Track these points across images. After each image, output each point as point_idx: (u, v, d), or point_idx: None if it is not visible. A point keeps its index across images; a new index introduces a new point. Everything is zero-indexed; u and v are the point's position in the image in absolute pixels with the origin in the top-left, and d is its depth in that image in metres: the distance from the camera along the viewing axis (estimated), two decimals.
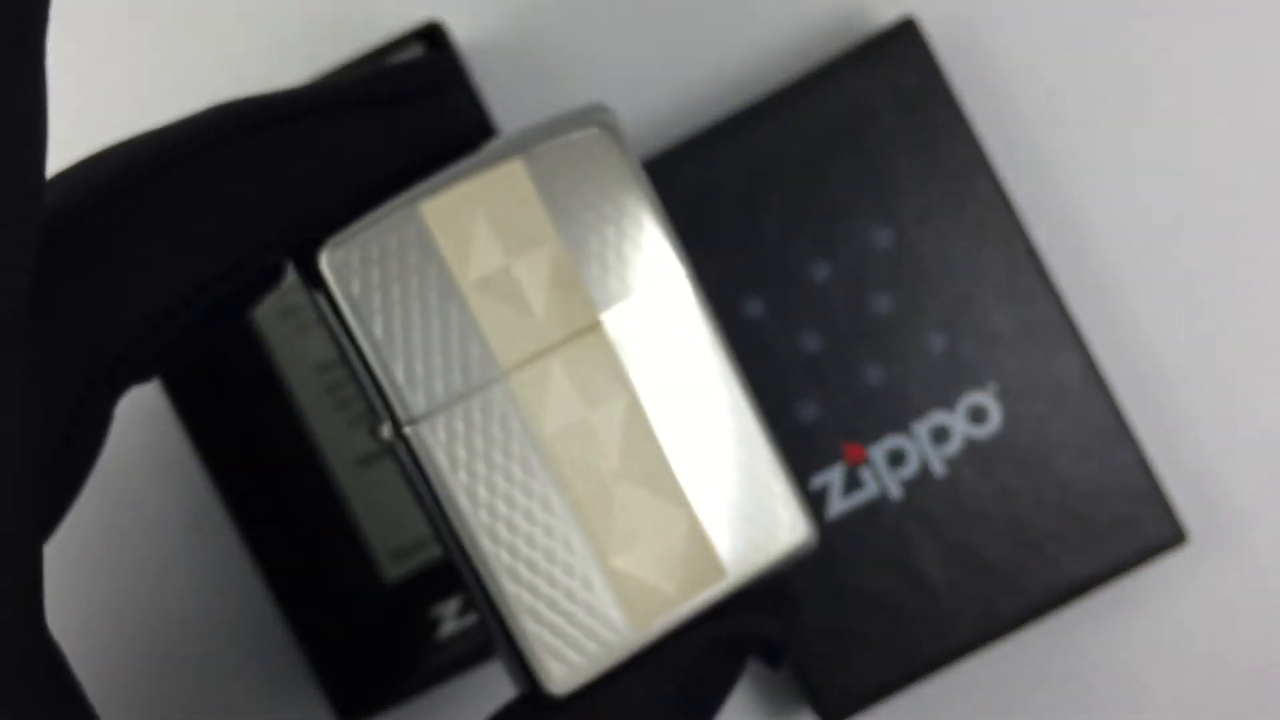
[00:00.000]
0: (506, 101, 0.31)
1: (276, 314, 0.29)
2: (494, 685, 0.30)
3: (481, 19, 0.31)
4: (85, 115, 0.27)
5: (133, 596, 0.30)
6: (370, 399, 0.19)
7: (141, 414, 0.29)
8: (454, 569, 0.28)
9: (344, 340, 0.19)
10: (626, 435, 0.20)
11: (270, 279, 0.20)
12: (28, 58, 0.14)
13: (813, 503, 0.29)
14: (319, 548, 0.29)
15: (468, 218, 0.19)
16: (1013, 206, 0.29)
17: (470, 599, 0.20)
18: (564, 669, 0.19)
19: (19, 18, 0.13)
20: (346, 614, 0.29)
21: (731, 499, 0.20)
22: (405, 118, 0.19)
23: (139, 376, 0.18)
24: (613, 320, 0.20)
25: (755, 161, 0.29)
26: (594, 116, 0.20)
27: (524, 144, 0.20)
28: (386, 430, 0.19)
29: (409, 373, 0.19)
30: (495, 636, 0.20)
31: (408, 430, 0.19)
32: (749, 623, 0.20)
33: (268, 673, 0.30)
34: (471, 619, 0.29)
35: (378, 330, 0.19)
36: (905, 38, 0.29)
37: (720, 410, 0.20)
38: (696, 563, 0.20)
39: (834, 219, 0.29)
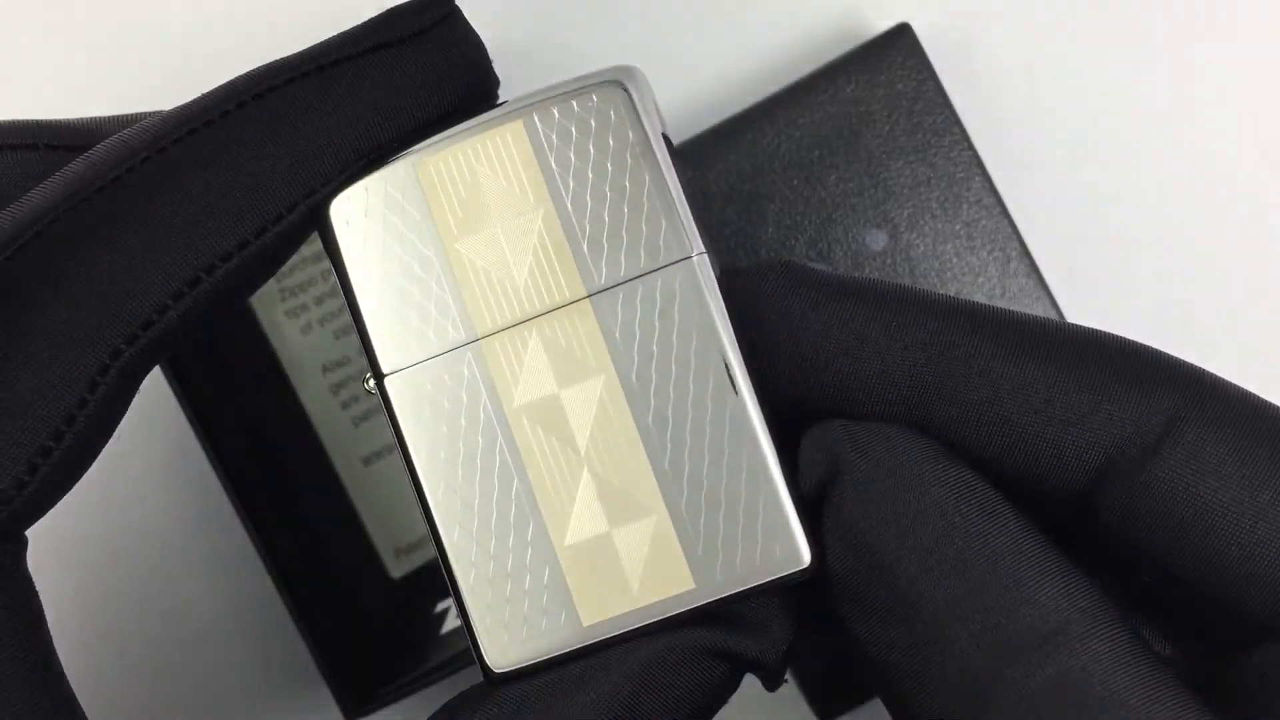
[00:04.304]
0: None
1: (283, 314, 0.29)
2: None
3: (478, 18, 0.31)
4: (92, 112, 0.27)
5: (140, 591, 0.30)
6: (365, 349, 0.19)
7: (151, 411, 0.30)
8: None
9: (343, 290, 0.19)
10: (600, 419, 0.19)
11: (290, 243, 0.19)
12: None
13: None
14: (325, 544, 0.29)
15: (461, 178, 0.19)
16: (1006, 209, 0.29)
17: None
18: (502, 647, 0.19)
19: None
20: (352, 609, 0.29)
21: (714, 507, 0.18)
22: (420, 57, 0.19)
23: (160, 350, 0.18)
24: (602, 296, 0.19)
25: (752, 165, 0.29)
26: (612, 80, 0.19)
27: (531, 105, 0.19)
28: (370, 381, 0.19)
29: (390, 327, 0.19)
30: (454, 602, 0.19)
31: (384, 383, 0.19)
32: (723, 638, 0.18)
33: (274, 667, 0.30)
34: None
35: (369, 283, 0.19)
36: (901, 43, 0.29)
37: (719, 411, 0.18)
38: (659, 565, 0.18)
39: (830, 222, 0.29)
